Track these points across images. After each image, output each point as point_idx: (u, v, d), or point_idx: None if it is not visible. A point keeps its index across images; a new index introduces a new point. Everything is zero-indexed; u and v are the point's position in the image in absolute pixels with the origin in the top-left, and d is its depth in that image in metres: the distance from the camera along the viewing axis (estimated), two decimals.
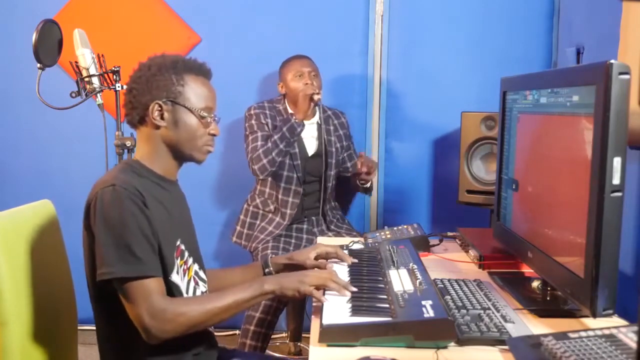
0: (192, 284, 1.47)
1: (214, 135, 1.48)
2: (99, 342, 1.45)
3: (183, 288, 1.42)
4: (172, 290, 1.38)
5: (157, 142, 1.44)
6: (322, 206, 2.70)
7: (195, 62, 1.48)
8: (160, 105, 1.41)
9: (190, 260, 1.49)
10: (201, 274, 1.54)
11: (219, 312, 1.34)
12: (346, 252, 1.79)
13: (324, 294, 1.42)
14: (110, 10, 2.97)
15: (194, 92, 1.44)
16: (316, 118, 2.69)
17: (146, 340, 1.29)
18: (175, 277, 1.40)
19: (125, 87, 1.46)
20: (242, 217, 2.74)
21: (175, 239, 1.43)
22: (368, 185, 2.62)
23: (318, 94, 2.50)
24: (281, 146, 2.48)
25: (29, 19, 2.42)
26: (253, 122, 2.60)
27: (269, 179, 2.65)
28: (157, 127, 1.42)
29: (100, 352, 1.45)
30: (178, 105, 1.42)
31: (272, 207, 2.68)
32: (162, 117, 1.41)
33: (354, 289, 1.42)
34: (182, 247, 1.45)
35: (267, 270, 1.65)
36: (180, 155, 1.47)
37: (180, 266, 1.43)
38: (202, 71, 1.48)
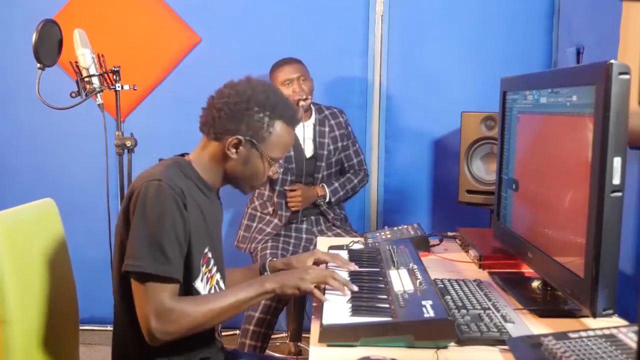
0: (212, 292, 1.48)
1: (270, 178, 1.50)
2: (113, 338, 1.45)
3: None
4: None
5: (218, 162, 1.44)
6: (318, 207, 2.72)
7: (291, 109, 1.47)
8: (240, 141, 1.40)
9: (214, 269, 1.49)
10: (222, 284, 1.54)
11: (222, 312, 1.34)
12: (346, 252, 1.80)
13: (324, 293, 1.42)
14: (110, 10, 2.97)
15: (276, 140, 1.44)
16: (312, 120, 2.69)
17: (148, 342, 1.30)
18: (199, 284, 1.40)
19: (215, 100, 1.43)
20: (243, 220, 2.75)
21: (204, 246, 1.43)
22: (321, 205, 2.66)
23: (305, 99, 2.52)
24: None
25: (29, 19, 2.42)
26: None
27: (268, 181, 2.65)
28: (226, 156, 1.42)
29: (113, 350, 1.45)
30: (256, 149, 1.43)
31: (270, 209, 2.68)
32: (236, 151, 1.42)
33: (355, 288, 1.42)
34: (209, 255, 1.45)
35: (264, 273, 1.65)
36: (231, 182, 1.49)
37: (205, 274, 1.43)
38: (292, 121, 1.48)
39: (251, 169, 1.44)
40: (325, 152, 2.69)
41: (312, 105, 2.70)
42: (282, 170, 2.55)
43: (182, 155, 1.49)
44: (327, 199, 2.66)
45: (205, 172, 1.45)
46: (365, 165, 2.86)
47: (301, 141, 2.65)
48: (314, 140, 2.68)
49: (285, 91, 2.58)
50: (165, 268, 1.28)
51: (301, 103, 2.50)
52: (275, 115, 1.42)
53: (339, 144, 2.74)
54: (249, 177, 1.46)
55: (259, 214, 2.70)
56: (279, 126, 1.43)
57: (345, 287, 1.42)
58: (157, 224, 1.28)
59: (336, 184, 2.70)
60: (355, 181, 2.78)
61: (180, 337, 1.31)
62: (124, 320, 1.41)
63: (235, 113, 1.40)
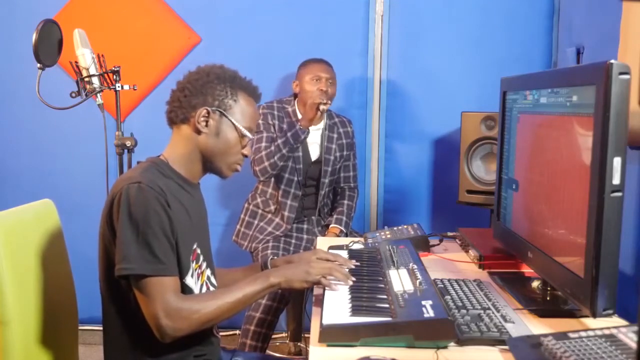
0: (204, 288, 1.49)
1: (245, 156, 1.51)
2: (105, 338, 1.45)
3: (196, 291, 1.44)
4: (185, 293, 1.39)
5: (191, 146, 1.45)
6: (317, 210, 2.72)
7: (251, 83, 1.52)
8: (208, 112, 1.43)
9: (204, 265, 1.50)
10: (212, 279, 1.55)
11: (230, 308, 1.36)
12: (346, 252, 1.80)
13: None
14: (110, 10, 2.97)
15: (242, 109, 1.47)
16: (322, 124, 2.68)
17: (160, 339, 1.31)
18: (189, 280, 1.41)
19: (177, 87, 1.48)
20: (242, 216, 2.74)
21: (192, 242, 1.44)
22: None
23: (326, 104, 2.45)
24: (284, 151, 2.47)
25: (29, 19, 2.42)
26: (260, 121, 2.60)
27: (272, 179, 2.65)
28: (198, 132, 1.44)
29: (105, 350, 1.45)
30: (225, 117, 1.45)
31: (272, 207, 2.68)
32: (206, 124, 1.43)
33: (353, 279, 1.48)
34: (198, 250, 1.46)
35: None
36: (209, 165, 1.49)
37: (195, 270, 1.44)
38: (254, 94, 1.52)
39: (224, 140, 1.45)
40: (332, 158, 2.68)
41: None
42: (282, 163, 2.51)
43: (157, 156, 1.49)
44: (344, 233, 2.66)
45: (183, 165, 1.46)
46: (357, 181, 2.86)
47: (308, 144, 2.64)
48: (321, 144, 2.68)
49: (309, 86, 2.57)
50: (158, 267, 1.29)
51: (321, 107, 2.44)
52: (236, 85, 1.47)
53: (344, 153, 2.74)
54: (224, 151, 1.46)
55: (260, 211, 2.70)
56: (241, 96, 1.47)
57: (349, 279, 1.48)
58: (143, 224, 1.29)
59: (344, 218, 2.70)
60: (354, 204, 2.79)
61: (191, 332, 1.33)
62: (114, 323, 1.42)
63: (197, 88, 1.44)
